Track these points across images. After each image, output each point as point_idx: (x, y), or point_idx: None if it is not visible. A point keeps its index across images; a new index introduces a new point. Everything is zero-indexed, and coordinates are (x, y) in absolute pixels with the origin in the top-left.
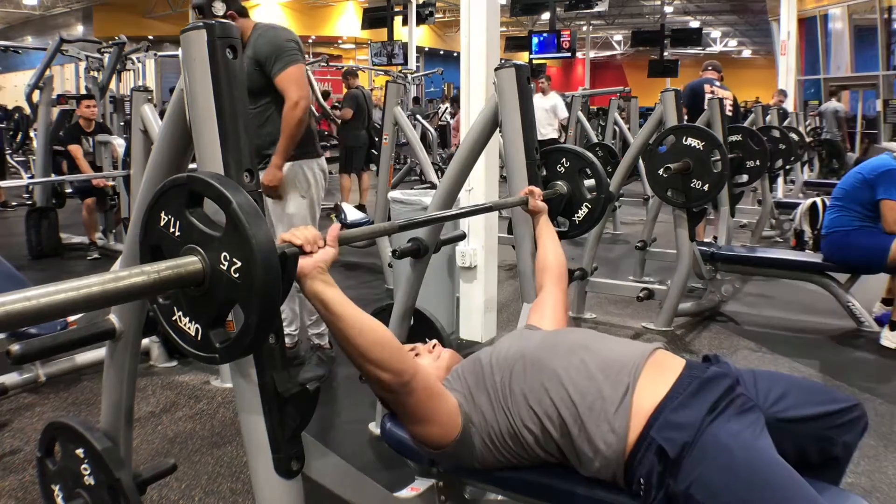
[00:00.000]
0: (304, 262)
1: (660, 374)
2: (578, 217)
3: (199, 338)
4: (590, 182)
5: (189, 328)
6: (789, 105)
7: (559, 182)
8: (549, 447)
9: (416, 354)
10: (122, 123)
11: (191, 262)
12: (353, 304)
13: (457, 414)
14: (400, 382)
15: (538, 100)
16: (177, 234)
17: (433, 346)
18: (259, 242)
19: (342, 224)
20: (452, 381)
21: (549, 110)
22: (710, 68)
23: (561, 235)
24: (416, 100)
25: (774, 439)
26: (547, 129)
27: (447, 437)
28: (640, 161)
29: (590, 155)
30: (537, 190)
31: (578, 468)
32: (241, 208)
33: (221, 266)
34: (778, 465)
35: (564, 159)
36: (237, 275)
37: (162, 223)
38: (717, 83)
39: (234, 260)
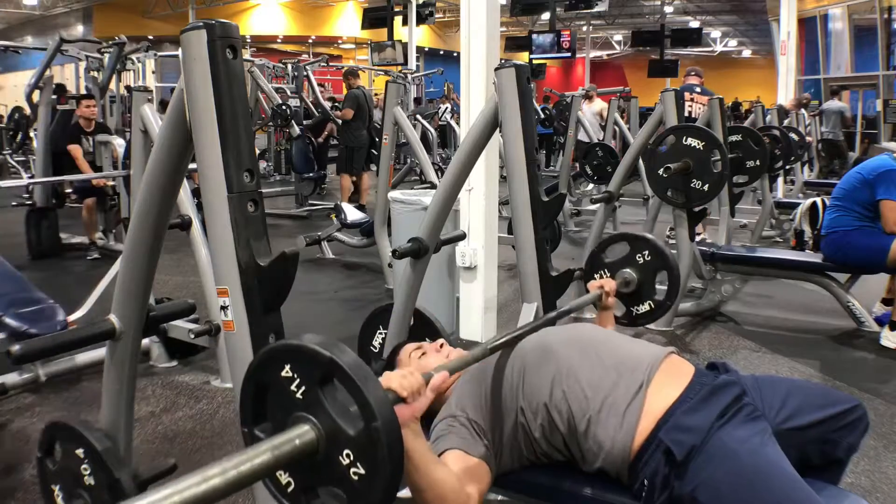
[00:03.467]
0: (401, 412)
1: (672, 377)
2: (637, 311)
3: (289, 491)
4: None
5: (281, 476)
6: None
7: (630, 271)
8: (554, 441)
9: (423, 353)
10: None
11: (305, 433)
12: (432, 455)
13: (490, 476)
14: None
15: (585, 107)
16: (298, 395)
17: (440, 346)
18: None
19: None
20: (463, 387)
21: (597, 115)
22: (692, 73)
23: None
24: (418, 100)
25: (780, 446)
26: (599, 134)
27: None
28: (640, 161)
29: (674, 261)
30: (610, 283)
31: (582, 465)
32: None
33: (341, 454)
34: (784, 471)
35: (647, 253)
36: (359, 449)
37: (283, 373)
38: (698, 89)
39: (356, 451)
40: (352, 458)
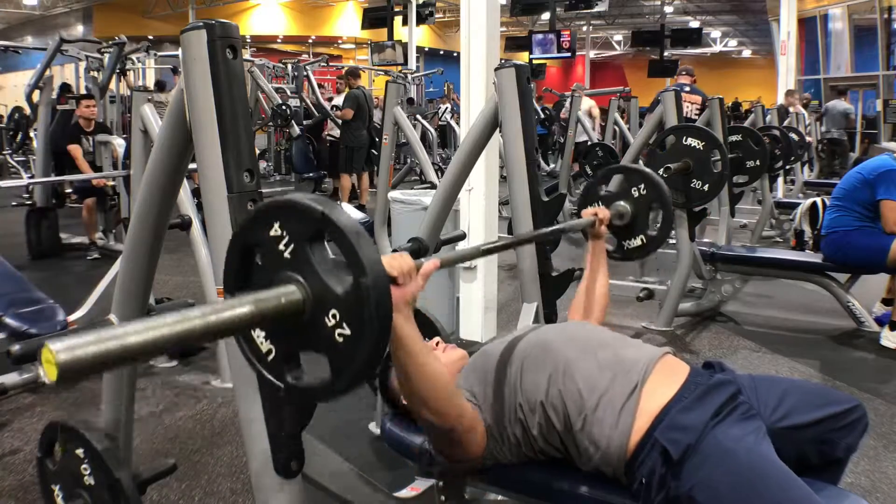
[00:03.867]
0: (394, 294)
1: (667, 377)
2: (629, 244)
3: (269, 359)
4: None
5: (262, 344)
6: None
7: (625, 203)
8: (551, 439)
9: None
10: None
11: (292, 293)
12: (424, 343)
13: (484, 437)
14: (441, 425)
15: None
16: (286, 254)
17: (436, 344)
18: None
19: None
20: (462, 382)
21: (585, 114)
22: (683, 73)
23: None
24: (411, 100)
25: (775, 446)
26: (581, 134)
27: (475, 455)
28: (640, 161)
29: (669, 196)
30: (604, 212)
31: (578, 463)
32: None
33: (327, 314)
34: (780, 469)
35: (643, 185)
36: (346, 308)
37: (272, 232)
38: (688, 88)
39: (343, 310)
40: (338, 317)
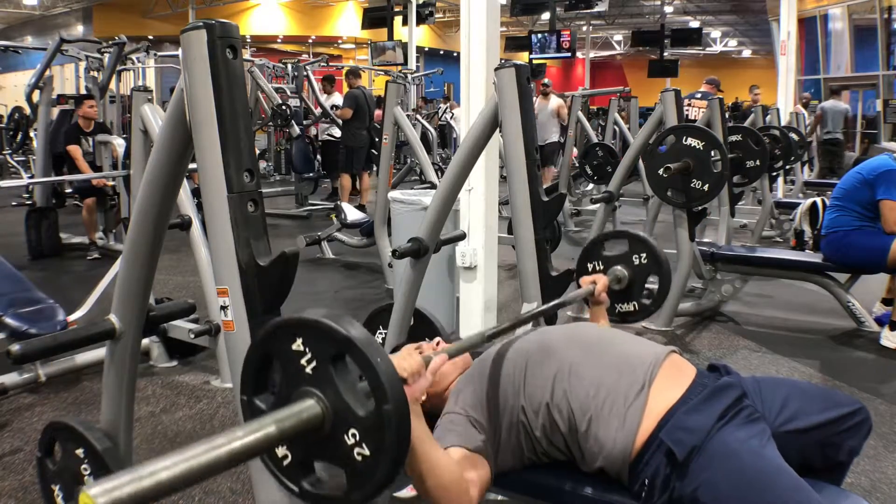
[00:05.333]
0: None
1: (674, 377)
2: (621, 308)
3: (285, 464)
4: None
5: (279, 449)
6: (788, 105)
7: (623, 269)
8: (555, 440)
9: (421, 353)
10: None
11: (311, 408)
12: (433, 441)
13: (490, 475)
14: None
15: (540, 104)
16: (307, 370)
17: (437, 345)
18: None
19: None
20: (464, 387)
21: (552, 113)
22: (706, 82)
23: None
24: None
25: (779, 449)
26: (550, 134)
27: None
28: (640, 161)
29: (669, 273)
30: (603, 280)
31: (582, 465)
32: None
33: (347, 433)
34: (785, 472)
35: (645, 256)
36: (366, 430)
37: (294, 346)
38: (699, 94)
39: (363, 432)
40: (357, 438)
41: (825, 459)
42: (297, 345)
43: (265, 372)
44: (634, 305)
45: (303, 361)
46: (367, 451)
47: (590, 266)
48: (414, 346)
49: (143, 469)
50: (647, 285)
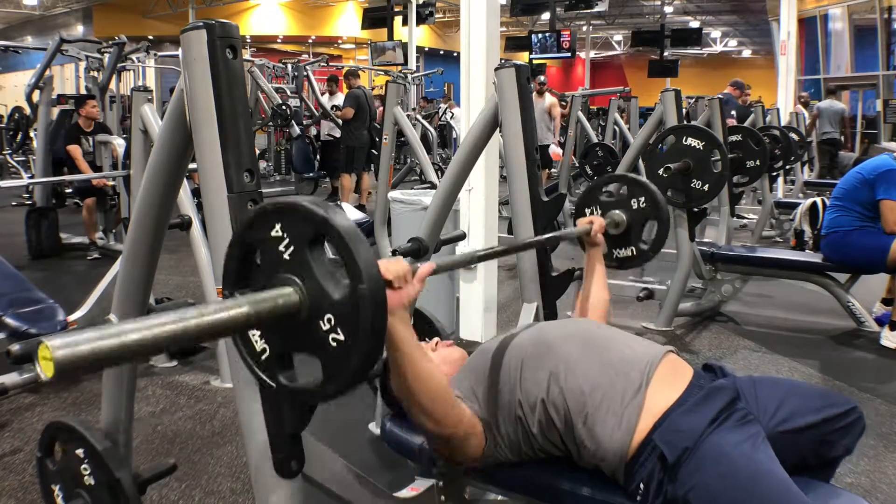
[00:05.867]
0: (390, 298)
1: (672, 378)
2: (619, 253)
3: (262, 358)
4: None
5: (257, 343)
6: (788, 105)
7: (622, 212)
8: (551, 436)
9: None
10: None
11: (289, 294)
12: (420, 346)
13: (482, 438)
14: (439, 432)
15: (535, 101)
16: (285, 255)
17: (435, 345)
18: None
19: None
20: (461, 381)
21: (544, 111)
22: (730, 85)
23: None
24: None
25: (775, 449)
26: (545, 134)
27: (474, 457)
28: (640, 161)
29: (668, 215)
30: (599, 221)
31: (577, 460)
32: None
33: (322, 318)
34: (777, 476)
35: (644, 199)
36: (341, 314)
37: (273, 233)
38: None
39: (338, 316)
40: (333, 322)
41: (819, 458)
42: (276, 230)
43: (247, 265)
44: (632, 250)
45: (281, 247)
46: (341, 336)
47: (587, 212)
48: None
49: (108, 328)
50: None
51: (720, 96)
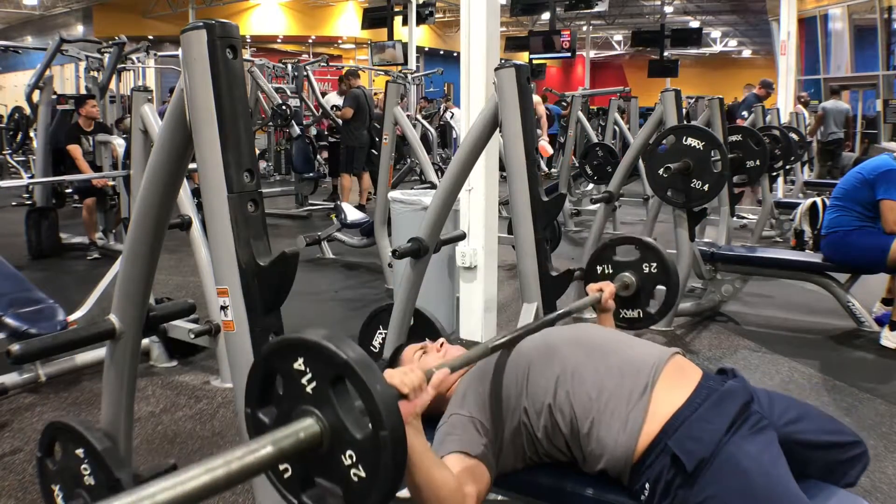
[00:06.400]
0: (404, 409)
1: (678, 380)
2: (626, 314)
3: (286, 478)
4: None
5: (280, 465)
6: (788, 105)
7: (632, 276)
8: (557, 441)
9: (425, 352)
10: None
11: (310, 427)
12: (431, 454)
13: (490, 482)
14: None
15: None
16: (308, 389)
17: (440, 345)
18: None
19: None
20: (468, 387)
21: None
22: (760, 85)
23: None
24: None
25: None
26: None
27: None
28: (640, 161)
29: (678, 285)
30: (609, 288)
31: (583, 466)
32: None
33: (344, 453)
34: (793, 494)
35: (656, 266)
36: (362, 453)
37: (296, 365)
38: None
39: (359, 454)
40: (354, 459)
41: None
42: (299, 364)
43: (268, 386)
44: (639, 313)
45: (303, 381)
46: (363, 473)
47: (599, 269)
48: (418, 345)
49: (141, 491)
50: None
51: (751, 95)
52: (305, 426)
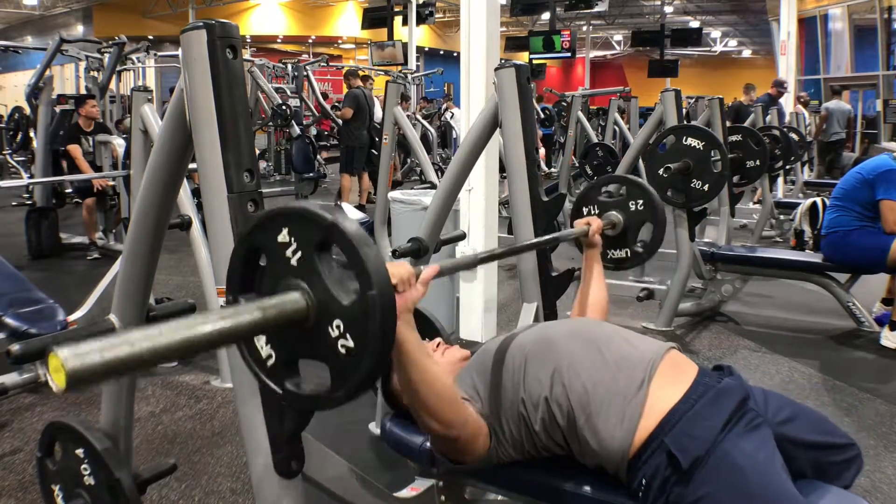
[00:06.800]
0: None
1: (675, 375)
2: (613, 254)
3: (269, 365)
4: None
5: (262, 349)
6: (788, 105)
7: (619, 214)
8: (554, 435)
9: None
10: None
11: (296, 300)
12: (426, 349)
13: (488, 438)
14: (447, 433)
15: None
16: (293, 261)
17: (437, 345)
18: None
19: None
20: (465, 381)
21: None
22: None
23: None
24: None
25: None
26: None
27: (478, 457)
28: (640, 161)
29: (664, 219)
30: (597, 222)
31: (581, 459)
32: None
33: (331, 324)
34: (789, 494)
35: (642, 202)
36: (350, 320)
37: (280, 237)
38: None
39: (347, 322)
40: (342, 329)
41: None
42: (283, 235)
43: (251, 268)
44: (627, 252)
45: (288, 252)
46: (350, 343)
47: (585, 210)
48: None
49: (118, 336)
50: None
51: (764, 96)
52: (291, 298)
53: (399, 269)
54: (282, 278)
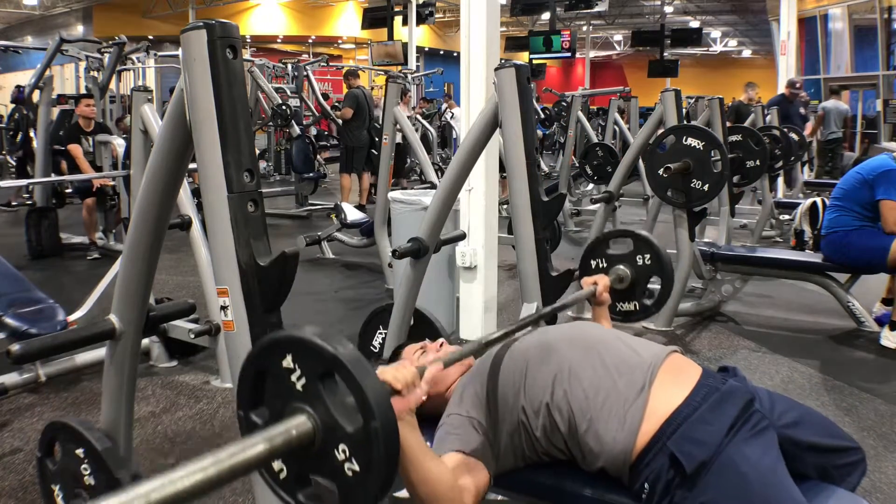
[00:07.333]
0: (396, 405)
1: (676, 377)
2: (622, 307)
3: (281, 478)
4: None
5: (274, 464)
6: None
7: (626, 268)
8: (555, 440)
9: (424, 351)
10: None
11: (302, 424)
12: (428, 451)
13: (489, 480)
14: None
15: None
16: (297, 386)
17: (440, 345)
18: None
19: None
20: (467, 387)
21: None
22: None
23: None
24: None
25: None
26: None
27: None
28: (640, 161)
29: (672, 275)
30: (604, 281)
31: (582, 464)
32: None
33: (337, 448)
34: (793, 500)
35: (650, 257)
36: (355, 446)
37: (284, 363)
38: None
39: (352, 448)
40: (347, 453)
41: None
42: (288, 361)
43: (259, 387)
44: (636, 305)
45: (293, 378)
46: (356, 467)
47: (593, 263)
48: (418, 345)
49: (133, 491)
50: (649, 285)
51: (780, 96)
52: (297, 423)
53: (403, 374)
54: (289, 401)
